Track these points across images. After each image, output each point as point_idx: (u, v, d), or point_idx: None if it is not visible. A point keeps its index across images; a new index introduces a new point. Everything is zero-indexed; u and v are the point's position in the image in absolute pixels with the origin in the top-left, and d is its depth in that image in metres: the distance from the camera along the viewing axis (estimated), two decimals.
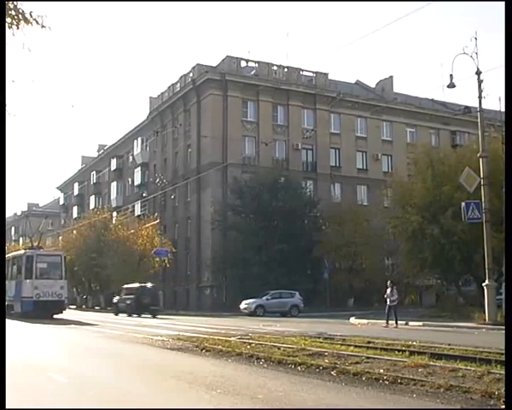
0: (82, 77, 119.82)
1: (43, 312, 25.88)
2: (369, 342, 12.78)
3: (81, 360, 11.38)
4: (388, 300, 21.62)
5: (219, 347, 11.96)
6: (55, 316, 26.91)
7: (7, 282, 28.89)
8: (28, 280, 27.11)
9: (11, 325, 21.13)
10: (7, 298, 28.02)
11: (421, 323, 21.72)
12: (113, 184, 61.74)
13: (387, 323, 21.03)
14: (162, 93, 53.85)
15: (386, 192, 36.23)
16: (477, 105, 21.46)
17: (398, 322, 20.94)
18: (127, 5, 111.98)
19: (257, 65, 48.10)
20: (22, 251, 30.04)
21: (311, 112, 48.33)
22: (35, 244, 31.42)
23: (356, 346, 11.97)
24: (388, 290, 21.82)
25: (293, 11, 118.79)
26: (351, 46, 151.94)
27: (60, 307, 27.70)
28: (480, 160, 21.06)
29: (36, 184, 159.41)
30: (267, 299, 33.67)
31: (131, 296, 34.64)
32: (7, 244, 51.16)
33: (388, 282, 22.45)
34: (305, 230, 41.43)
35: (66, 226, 63.56)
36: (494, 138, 25.59)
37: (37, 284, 26.83)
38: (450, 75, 21.13)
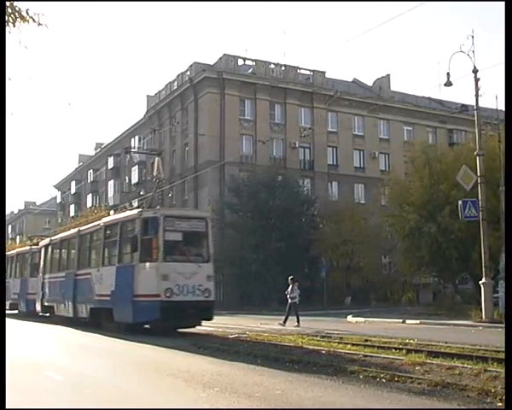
0: (79, 75, 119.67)
1: (178, 321, 15.29)
2: (366, 341, 12.80)
3: (79, 359, 11.37)
4: (288, 297, 20.24)
5: (216, 345, 11.96)
6: (188, 329, 16.15)
7: (92, 271, 18.04)
8: (149, 264, 15.27)
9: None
10: (96, 298, 17.52)
11: (418, 321, 21.69)
12: (111, 183, 61.58)
13: (285, 322, 19.47)
14: (159, 91, 53.73)
15: (383, 190, 36.24)
16: (474, 103, 21.44)
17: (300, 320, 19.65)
18: (124, 4, 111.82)
19: (254, 63, 48.02)
20: (134, 211, 17.32)
21: (308, 110, 48.31)
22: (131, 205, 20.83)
23: (353, 344, 11.98)
24: (289, 287, 20.39)
25: (291, 9, 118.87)
26: (348, 44, 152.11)
27: (207, 312, 15.74)
28: (477, 158, 21.04)
29: (33, 183, 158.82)
30: None
31: None
32: None
33: (289, 278, 20.69)
34: (303, 228, 41.41)
35: (63, 225, 63.31)
36: (491, 136, 25.58)
37: (166, 271, 14.95)
38: (447, 73, 21.10)
